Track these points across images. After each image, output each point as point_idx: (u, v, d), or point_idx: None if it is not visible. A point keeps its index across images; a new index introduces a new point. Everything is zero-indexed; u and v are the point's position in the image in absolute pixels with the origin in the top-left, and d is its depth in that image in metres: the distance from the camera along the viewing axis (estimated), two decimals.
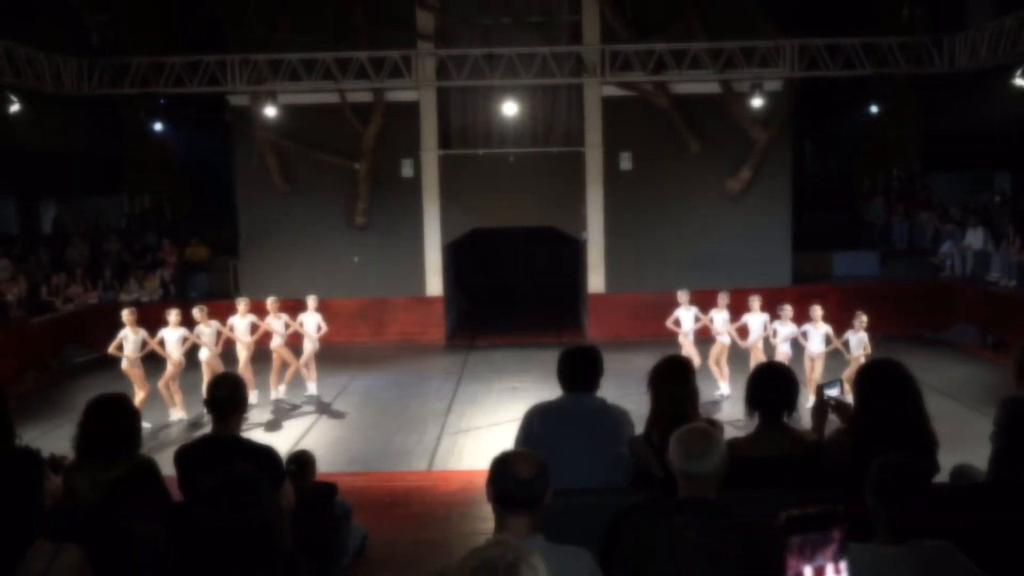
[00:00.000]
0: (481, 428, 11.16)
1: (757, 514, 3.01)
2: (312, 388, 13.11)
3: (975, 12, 17.08)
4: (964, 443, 5.96)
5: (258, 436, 9.83)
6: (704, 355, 12.19)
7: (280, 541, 3.00)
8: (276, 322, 12.70)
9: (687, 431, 3.17)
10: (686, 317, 12.41)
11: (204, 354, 11.93)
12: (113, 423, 4.07)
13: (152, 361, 11.92)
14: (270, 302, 12.80)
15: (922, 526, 2.99)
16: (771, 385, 4.16)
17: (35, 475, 3.24)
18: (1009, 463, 4.27)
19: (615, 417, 4.34)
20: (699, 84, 16.65)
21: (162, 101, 17.26)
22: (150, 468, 4.18)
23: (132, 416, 4.17)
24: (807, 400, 9.62)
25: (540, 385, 11.78)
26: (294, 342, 13.37)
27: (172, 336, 11.60)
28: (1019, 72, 14.21)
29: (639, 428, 4.41)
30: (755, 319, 12.00)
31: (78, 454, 4.12)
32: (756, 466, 3.89)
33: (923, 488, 3.03)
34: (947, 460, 4.45)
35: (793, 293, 16.75)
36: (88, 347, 16.28)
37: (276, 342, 12.70)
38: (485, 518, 6.35)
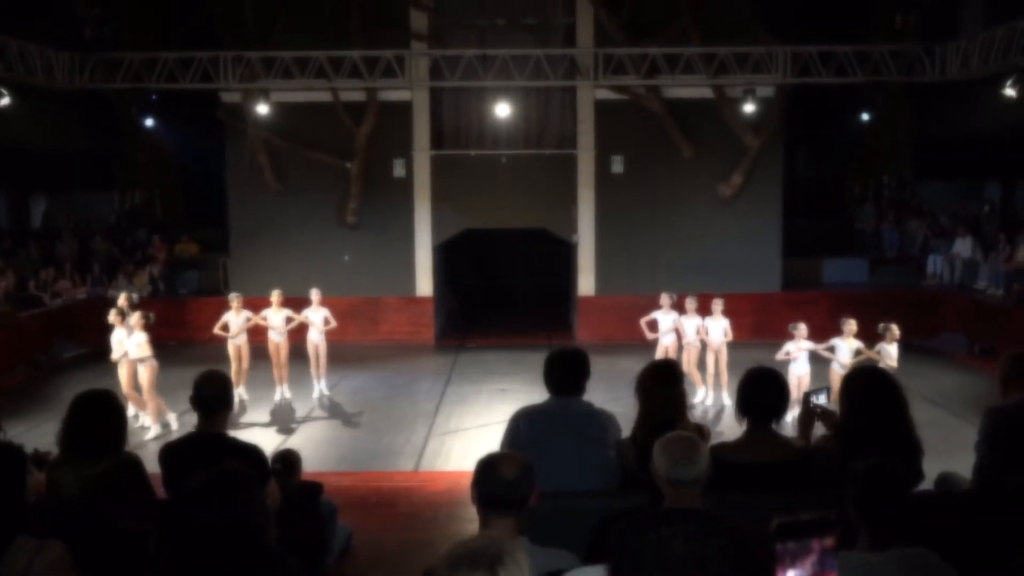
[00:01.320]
0: (469, 429, 11.16)
1: (747, 519, 3.03)
2: (321, 387, 13.07)
3: (968, 22, 17.18)
4: (950, 451, 5.97)
5: (245, 434, 9.80)
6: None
7: (267, 540, 2.99)
8: (275, 316, 12.64)
9: (670, 439, 3.17)
10: (664, 320, 12.43)
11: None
12: (99, 419, 4.04)
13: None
14: (275, 295, 12.77)
15: (904, 534, 3.00)
16: (762, 390, 4.15)
17: (17, 471, 3.22)
18: (993, 472, 4.29)
19: (602, 421, 4.33)
20: (692, 89, 16.68)
21: (154, 97, 17.19)
22: (135, 465, 4.16)
23: (118, 412, 4.14)
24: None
25: (529, 387, 11.80)
26: (296, 340, 13.33)
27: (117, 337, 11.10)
28: (1009, 82, 14.29)
29: (626, 432, 4.41)
30: (688, 322, 12.26)
31: (63, 450, 4.09)
32: (742, 471, 3.90)
33: (903, 494, 3.04)
34: (932, 468, 4.47)
35: (783, 299, 16.84)
36: (77, 342, 16.23)
37: (278, 338, 12.59)
38: (471, 519, 6.34)
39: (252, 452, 4.22)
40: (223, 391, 4.29)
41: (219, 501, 2.81)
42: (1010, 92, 14.36)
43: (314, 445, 10.29)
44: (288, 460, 5.76)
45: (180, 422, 10.87)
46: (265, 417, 11.91)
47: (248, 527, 2.82)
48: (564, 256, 19.63)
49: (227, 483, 2.87)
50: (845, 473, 3.19)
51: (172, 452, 4.28)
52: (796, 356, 10.96)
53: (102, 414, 4.07)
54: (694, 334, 12.27)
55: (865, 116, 18.39)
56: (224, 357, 12.31)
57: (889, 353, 10.54)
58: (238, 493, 2.85)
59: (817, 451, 4.17)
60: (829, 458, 4.01)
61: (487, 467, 2.91)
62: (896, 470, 3.07)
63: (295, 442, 10.22)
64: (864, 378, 4.14)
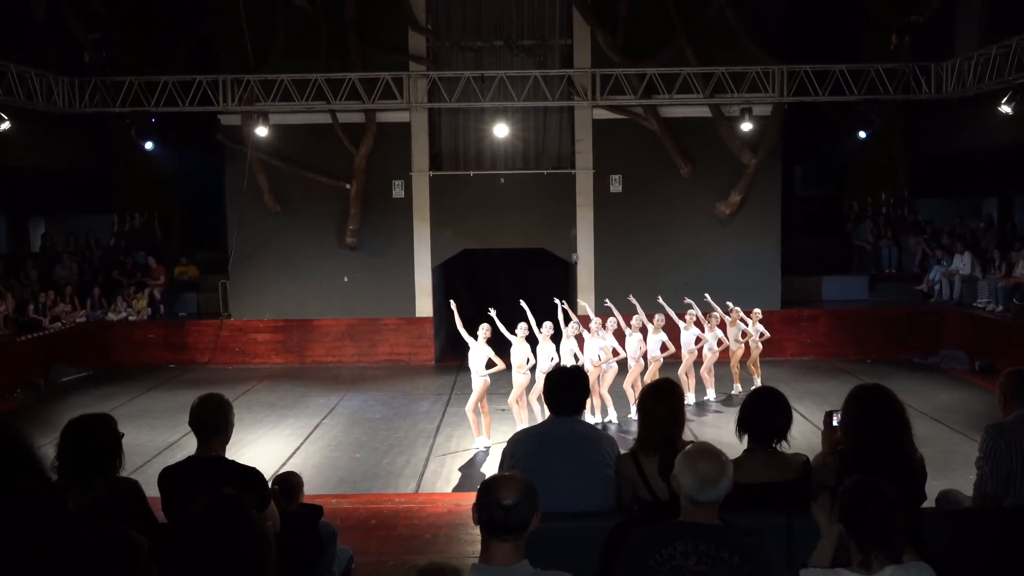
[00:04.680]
0: (470, 450, 11.12)
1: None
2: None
3: (962, 41, 17.30)
4: (951, 468, 5.96)
5: (246, 457, 9.76)
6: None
7: (268, 566, 2.97)
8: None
9: (697, 455, 3.12)
10: (654, 341, 12.75)
11: None
12: (92, 443, 4.02)
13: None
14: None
15: (897, 551, 2.97)
16: (766, 411, 4.16)
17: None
18: (993, 488, 4.28)
19: (601, 441, 4.32)
20: (689, 108, 16.76)
21: (153, 120, 17.27)
22: (134, 490, 4.14)
23: (112, 436, 4.11)
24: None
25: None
26: (294, 360, 13.30)
27: None
28: (1004, 99, 14.39)
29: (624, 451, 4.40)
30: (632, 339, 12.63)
31: (59, 475, 4.07)
32: (740, 491, 3.88)
33: (892, 512, 2.99)
34: (934, 485, 4.46)
35: (782, 316, 16.83)
36: (76, 366, 16.21)
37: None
38: (471, 541, 6.30)
39: (251, 476, 4.20)
40: (218, 414, 4.27)
41: (217, 528, 2.80)
42: (1006, 109, 14.45)
43: (313, 468, 10.24)
44: (288, 483, 5.72)
45: (181, 446, 10.84)
46: (265, 440, 11.87)
47: (247, 553, 2.81)
48: (563, 275, 19.64)
49: (225, 510, 2.85)
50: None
51: (170, 476, 4.26)
52: None
53: (94, 438, 4.05)
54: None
55: (862, 134, 18.48)
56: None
57: None
58: (236, 520, 2.83)
59: (816, 468, 4.17)
60: (827, 474, 4.01)
61: (487, 491, 2.90)
62: (884, 488, 3.04)
63: (295, 464, 10.19)
64: (867, 396, 4.10)
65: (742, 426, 4.19)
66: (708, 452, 3.14)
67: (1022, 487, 4.27)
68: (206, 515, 2.84)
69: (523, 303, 12.11)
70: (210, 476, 3.98)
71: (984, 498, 4.35)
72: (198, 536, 2.80)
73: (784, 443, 4.16)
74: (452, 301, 11.97)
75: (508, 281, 21.32)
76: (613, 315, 12.83)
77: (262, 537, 2.90)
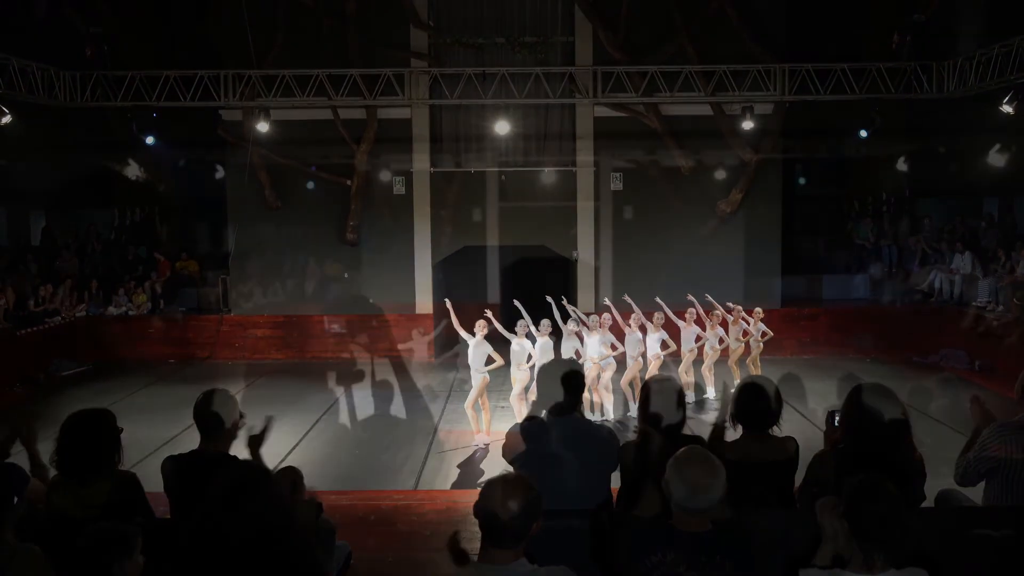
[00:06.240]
0: (469, 447, 11.12)
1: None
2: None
3: (964, 41, 17.26)
4: (951, 468, 5.95)
5: (245, 452, 9.75)
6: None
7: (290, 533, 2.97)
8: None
9: (688, 461, 3.08)
10: (654, 339, 12.77)
11: None
12: (91, 438, 4.02)
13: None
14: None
15: (897, 553, 2.96)
16: (753, 401, 4.25)
17: (8, 489, 3.26)
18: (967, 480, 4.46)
19: (601, 436, 4.32)
20: (690, 106, 16.74)
21: (155, 115, 17.24)
22: (133, 484, 4.14)
23: (112, 431, 4.11)
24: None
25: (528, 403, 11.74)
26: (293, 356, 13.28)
27: None
28: (1006, 99, 14.37)
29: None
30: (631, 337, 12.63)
31: (58, 471, 4.07)
32: (738, 467, 3.91)
33: (895, 513, 2.98)
34: (933, 485, 4.46)
35: (783, 315, 16.82)
36: (76, 360, 16.22)
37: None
38: (470, 539, 6.30)
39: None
40: (221, 411, 4.27)
41: (243, 497, 2.81)
42: (1007, 109, 14.44)
43: (312, 464, 10.23)
44: (288, 479, 5.71)
45: (180, 441, 10.82)
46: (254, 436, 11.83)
47: (272, 521, 2.82)
48: (563, 272, 19.62)
49: (249, 479, 2.87)
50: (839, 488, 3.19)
51: (173, 465, 4.27)
52: None
53: (94, 433, 4.05)
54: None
55: (863, 133, 18.44)
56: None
57: None
58: (260, 488, 2.84)
59: (814, 464, 4.22)
60: (824, 473, 4.04)
61: (488, 498, 2.87)
62: (890, 488, 3.03)
63: (294, 460, 10.18)
64: (865, 396, 4.11)
65: (735, 417, 4.29)
66: (700, 458, 3.09)
67: (1020, 487, 4.29)
68: (232, 482, 2.85)
69: (516, 303, 12.04)
70: (211, 471, 3.98)
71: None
72: (223, 500, 2.81)
73: (776, 428, 4.23)
74: (447, 300, 11.97)
75: (508, 279, 21.34)
76: (611, 312, 12.79)
77: (284, 505, 2.91)
